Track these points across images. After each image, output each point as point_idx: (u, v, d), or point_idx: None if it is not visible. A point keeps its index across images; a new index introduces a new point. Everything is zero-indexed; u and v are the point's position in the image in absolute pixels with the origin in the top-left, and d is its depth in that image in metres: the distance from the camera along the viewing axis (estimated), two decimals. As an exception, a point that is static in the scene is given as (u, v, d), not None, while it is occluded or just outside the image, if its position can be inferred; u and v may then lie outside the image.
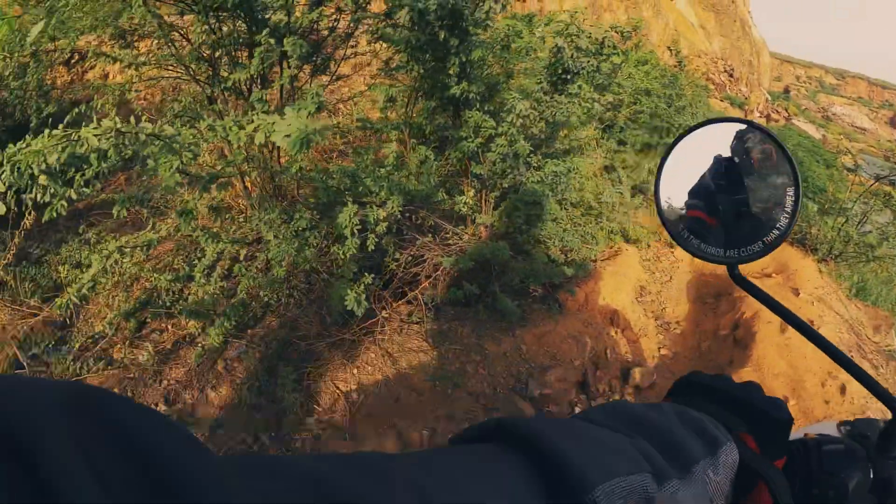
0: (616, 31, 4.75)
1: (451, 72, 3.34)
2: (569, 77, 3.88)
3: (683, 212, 0.69)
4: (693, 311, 4.53)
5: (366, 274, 3.10)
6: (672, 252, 5.25)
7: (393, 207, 3.03)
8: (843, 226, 5.53)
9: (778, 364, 3.49)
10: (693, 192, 0.68)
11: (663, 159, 0.71)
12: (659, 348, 3.98)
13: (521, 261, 3.80)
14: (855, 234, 5.52)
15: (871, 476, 0.59)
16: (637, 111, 6.05)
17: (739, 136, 0.67)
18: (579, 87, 3.89)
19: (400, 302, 3.61)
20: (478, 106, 3.49)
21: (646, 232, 5.03)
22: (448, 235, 3.64)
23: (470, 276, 3.66)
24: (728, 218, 0.67)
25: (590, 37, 4.21)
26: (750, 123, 0.67)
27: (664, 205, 0.69)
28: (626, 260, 4.53)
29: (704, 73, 24.18)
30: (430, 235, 3.55)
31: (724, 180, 0.67)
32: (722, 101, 21.46)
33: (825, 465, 0.57)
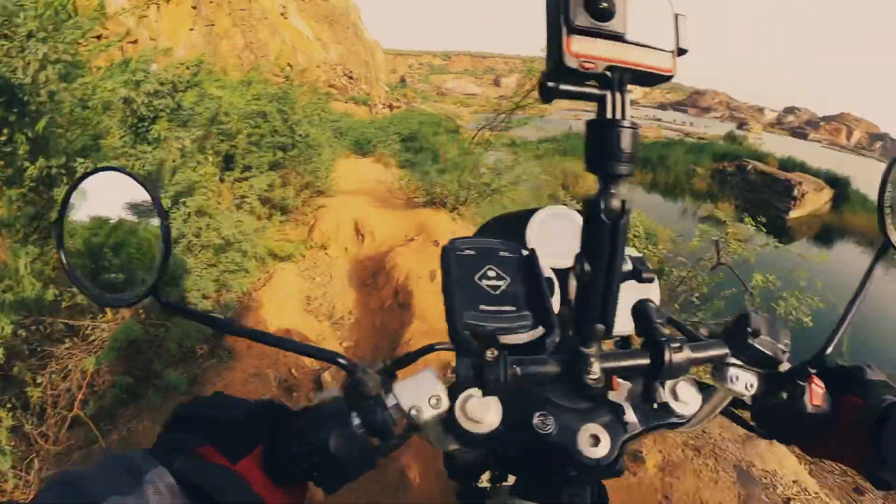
0: (186, 67, 4.66)
1: (20, 151, 2.91)
2: (146, 125, 3.71)
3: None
4: (359, 297, 4.86)
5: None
6: (326, 253, 5.53)
7: (4, 330, 2.55)
8: (459, 177, 6.48)
9: (438, 307, 3.94)
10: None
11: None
12: (340, 343, 4.16)
13: (177, 324, 3.55)
14: (472, 179, 6.53)
15: None
16: (259, 134, 6.09)
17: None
18: (157, 132, 3.74)
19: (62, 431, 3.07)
20: (65, 180, 3.11)
21: (294, 245, 5.17)
22: (89, 332, 3.21)
23: (130, 363, 3.30)
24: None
25: (159, 79, 4.08)
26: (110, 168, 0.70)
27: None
28: (283, 278, 4.60)
29: (326, 81, 25.66)
30: (67, 340, 3.08)
31: None
32: (346, 102, 23.08)
33: None
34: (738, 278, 4.47)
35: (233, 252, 4.06)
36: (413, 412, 0.63)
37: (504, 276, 0.65)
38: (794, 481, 2.33)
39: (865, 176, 26.68)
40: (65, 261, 0.70)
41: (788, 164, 30.00)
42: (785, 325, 0.78)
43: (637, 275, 0.61)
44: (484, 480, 1.17)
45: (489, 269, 0.65)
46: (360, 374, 0.65)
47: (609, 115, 0.52)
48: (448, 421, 0.67)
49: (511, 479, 0.99)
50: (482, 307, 0.62)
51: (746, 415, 0.82)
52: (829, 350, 0.72)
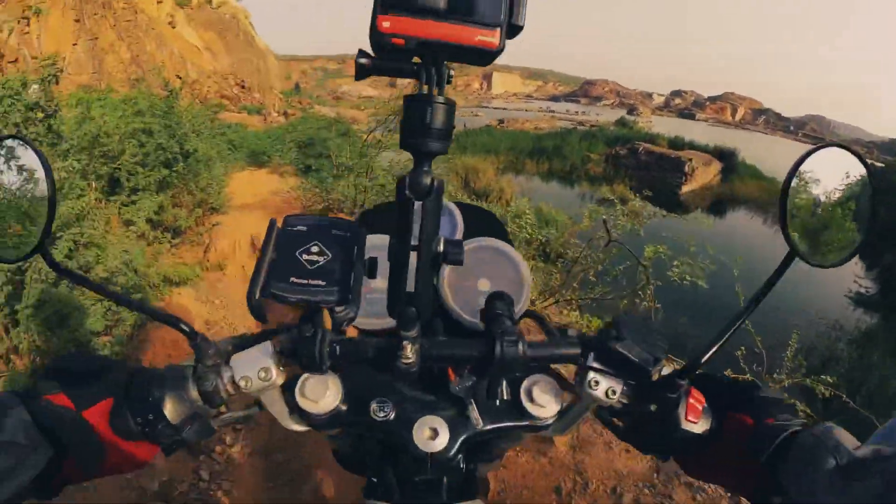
0: (45, 80, 4.30)
1: None
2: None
3: None
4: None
5: None
6: (224, 273, 5.32)
7: None
8: (354, 181, 6.44)
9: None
10: None
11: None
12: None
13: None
14: (367, 182, 6.57)
15: None
16: (144, 153, 5.73)
17: None
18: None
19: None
20: None
21: (189, 268, 4.91)
22: None
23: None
24: None
25: (27, 105, 3.75)
26: None
27: None
28: (180, 304, 4.35)
29: (218, 91, 24.69)
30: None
31: None
32: (239, 112, 22.28)
33: None
34: (630, 252, 4.68)
35: (119, 286, 3.80)
36: (242, 382, 0.64)
37: (327, 252, 0.63)
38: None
39: (751, 148, 28.88)
40: None
41: (678, 143, 32.08)
42: (663, 332, 0.69)
43: (444, 256, 0.58)
44: None
45: (314, 244, 0.64)
46: (200, 342, 0.64)
47: (424, 92, 0.51)
48: (291, 400, 0.68)
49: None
50: (293, 279, 0.61)
51: None
52: (704, 359, 0.64)
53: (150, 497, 2.73)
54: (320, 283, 0.61)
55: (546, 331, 0.84)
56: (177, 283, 4.61)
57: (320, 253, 0.63)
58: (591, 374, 0.66)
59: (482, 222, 1.00)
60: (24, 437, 0.54)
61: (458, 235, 0.94)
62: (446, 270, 0.88)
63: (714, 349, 0.64)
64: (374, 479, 0.75)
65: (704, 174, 28.57)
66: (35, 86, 4.12)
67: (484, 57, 0.52)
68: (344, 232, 0.66)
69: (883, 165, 20.36)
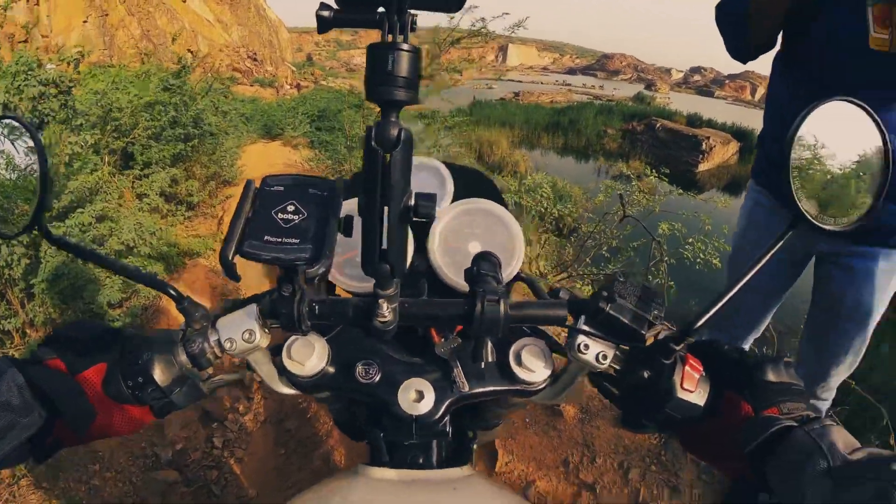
0: (65, 62, 4.32)
1: None
2: (40, 131, 3.41)
3: None
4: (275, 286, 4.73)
5: None
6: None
7: None
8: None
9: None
10: None
11: None
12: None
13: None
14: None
15: None
16: (158, 127, 5.74)
17: None
18: (47, 138, 3.44)
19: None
20: None
21: (203, 241, 4.94)
22: None
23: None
24: None
25: (41, 80, 3.75)
26: None
27: None
28: (194, 276, 4.40)
29: (230, 65, 24.58)
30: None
31: None
32: (252, 85, 22.19)
33: None
34: (645, 228, 4.63)
35: (132, 258, 3.84)
36: (227, 344, 0.64)
37: (302, 211, 0.63)
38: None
39: (770, 127, 28.29)
40: None
41: (696, 121, 31.54)
42: (662, 295, 0.65)
43: (416, 210, 0.56)
44: None
45: (290, 203, 0.64)
46: (187, 306, 0.65)
47: (388, 39, 0.49)
48: (280, 362, 0.69)
49: None
50: (267, 238, 0.61)
51: None
52: (699, 324, 0.60)
53: (163, 465, 2.79)
54: (294, 241, 0.61)
55: (536, 293, 0.83)
56: (190, 255, 4.65)
57: (296, 212, 0.63)
58: (581, 338, 0.64)
59: (474, 183, 0.98)
60: (17, 399, 0.56)
61: (448, 197, 0.92)
62: (437, 233, 0.86)
63: (710, 313, 0.61)
64: (370, 448, 0.75)
65: (722, 153, 28.15)
66: (51, 66, 4.14)
67: (450, 3, 0.50)
68: (321, 191, 0.65)
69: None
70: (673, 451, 2.31)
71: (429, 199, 0.56)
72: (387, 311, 0.61)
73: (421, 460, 0.71)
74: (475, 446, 0.81)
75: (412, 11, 0.49)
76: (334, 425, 1.14)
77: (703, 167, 26.94)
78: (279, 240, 0.61)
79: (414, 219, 0.56)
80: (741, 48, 1.57)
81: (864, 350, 1.70)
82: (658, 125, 29.79)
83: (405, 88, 0.49)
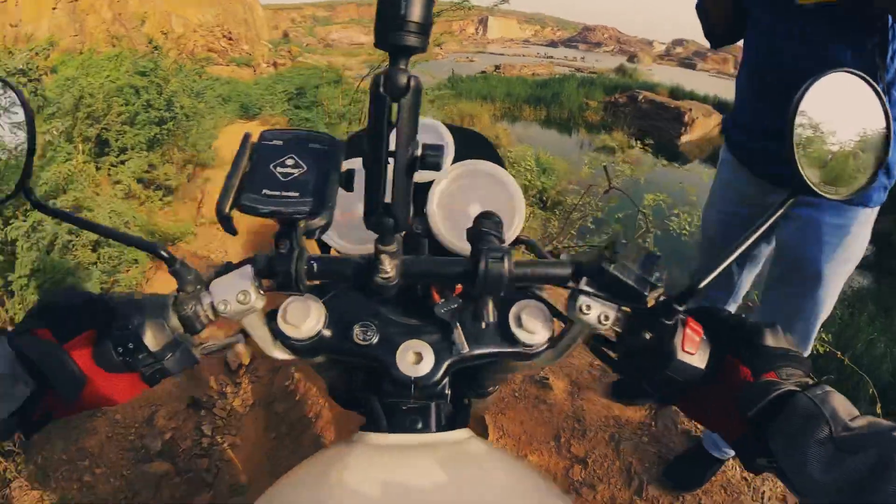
0: (34, 52, 4.21)
1: None
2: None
3: None
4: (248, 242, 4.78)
5: None
6: (218, 228, 5.26)
7: None
8: (348, 128, 6.33)
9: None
10: None
11: None
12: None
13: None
14: (360, 129, 6.44)
15: None
16: (132, 111, 5.62)
17: None
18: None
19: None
20: None
21: (184, 225, 4.87)
22: None
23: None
24: None
25: (7, 69, 3.65)
26: None
27: None
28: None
29: (205, 45, 24.05)
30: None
31: None
32: (228, 65, 21.74)
33: None
34: (630, 200, 4.63)
35: (109, 248, 3.77)
36: (221, 306, 0.63)
37: (302, 165, 0.61)
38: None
39: (752, 100, 28.41)
40: None
41: (678, 93, 31.47)
42: (659, 257, 0.64)
43: (422, 161, 0.54)
44: None
45: (290, 157, 0.62)
46: (179, 268, 0.63)
47: None
48: (275, 326, 0.68)
49: None
50: (265, 191, 0.59)
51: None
52: (702, 285, 0.60)
53: (154, 456, 2.77)
54: (294, 194, 0.59)
55: (537, 255, 0.82)
56: (171, 241, 4.59)
57: (295, 165, 0.61)
58: (583, 298, 0.63)
59: (474, 145, 0.96)
60: (5, 370, 0.56)
61: (449, 158, 0.90)
62: (436, 195, 0.84)
63: (712, 276, 0.61)
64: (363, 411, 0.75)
65: (704, 125, 28.11)
66: (22, 54, 4.03)
67: None
68: (322, 145, 0.63)
69: None
70: (664, 422, 2.32)
71: (436, 150, 0.54)
72: (389, 267, 0.60)
73: (420, 424, 0.70)
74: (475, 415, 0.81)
75: None
76: (328, 395, 1.13)
77: (685, 138, 26.95)
78: (278, 193, 0.59)
79: (420, 169, 0.54)
80: (707, 35, 1.72)
81: (819, 316, 1.67)
82: (641, 97, 29.69)
83: (417, 34, 0.46)
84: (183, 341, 0.63)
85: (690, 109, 27.89)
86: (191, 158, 6.18)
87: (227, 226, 0.58)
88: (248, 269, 0.64)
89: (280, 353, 0.71)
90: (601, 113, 29.58)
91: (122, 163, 5.17)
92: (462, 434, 0.69)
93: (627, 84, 33.69)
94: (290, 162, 0.61)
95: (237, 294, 0.62)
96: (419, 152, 0.53)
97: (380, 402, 0.71)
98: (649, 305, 0.62)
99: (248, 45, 31.07)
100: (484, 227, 0.67)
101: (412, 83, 0.47)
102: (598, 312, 0.63)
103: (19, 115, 0.67)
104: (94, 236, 3.74)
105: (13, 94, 0.68)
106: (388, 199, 0.53)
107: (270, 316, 0.69)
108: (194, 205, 5.64)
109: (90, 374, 0.61)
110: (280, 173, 0.60)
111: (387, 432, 0.68)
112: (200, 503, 2.59)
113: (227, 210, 0.57)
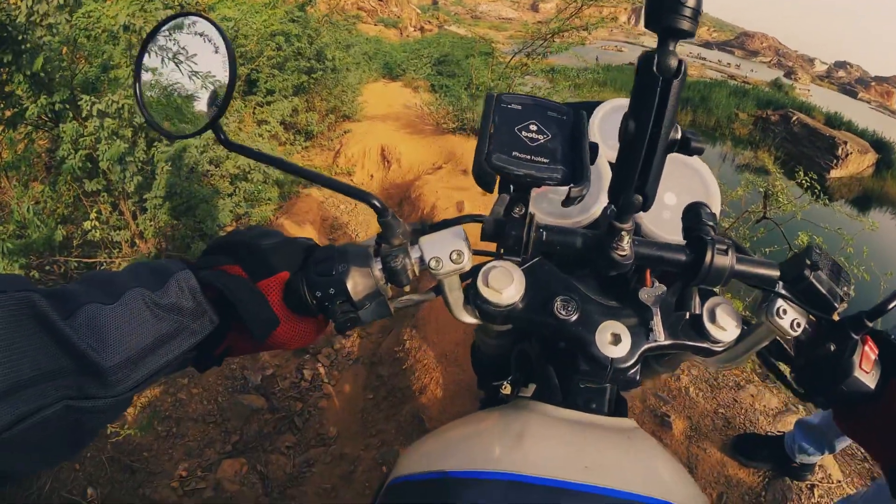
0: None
1: (19, 91, 2.76)
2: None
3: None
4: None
5: None
6: (351, 179, 5.41)
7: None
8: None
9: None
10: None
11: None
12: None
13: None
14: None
15: None
16: (282, 57, 5.84)
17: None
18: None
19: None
20: (71, 115, 2.93)
21: (318, 166, 5.01)
22: (105, 266, 3.15)
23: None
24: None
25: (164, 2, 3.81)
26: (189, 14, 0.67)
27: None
28: (307, 205, 4.46)
29: (355, 3, 24.77)
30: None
31: None
32: (376, 24, 22.31)
33: None
34: (783, 235, 4.20)
35: (246, 183, 3.91)
36: (433, 263, 0.62)
37: (546, 131, 0.61)
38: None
39: (916, 146, 25.36)
40: (140, 100, 0.67)
41: (834, 121, 28.51)
42: (849, 274, 0.63)
43: (686, 144, 0.53)
44: (508, 390, 1.20)
45: (532, 122, 0.62)
46: (390, 219, 0.62)
47: None
48: (469, 290, 0.67)
49: (531, 389, 0.95)
50: (515, 153, 0.59)
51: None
52: (891, 307, 0.59)
53: (251, 389, 2.84)
54: (544, 160, 0.59)
55: (737, 247, 0.76)
56: (304, 185, 4.73)
57: (539, 132, 0.61)
58: (780, 302, 0.64)
59: None
60: (189, 302, 0.53)
61: None
62: None
63: None
64: (539, 385, 0.75)
65: (857, 162, 25.25)
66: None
67: None
68: (560, 115, 0.64)
69: None
70: (774, 494, 2.10)
71: (696, 136, 0.54)
72: (627, 245, 0.60)
73: (594, 405, 0.68)
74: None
75: None
76: (471, 364, 1.17)
77: (834, 173, 24.39)
78: (528, 157, 0.59)
79: (678, 152, 0.54)
80: None
81: None
82: (794, 118, 27.22)
83: (690, 19, 0.45)
84: (382, 293, 0.63)
85: (846, 142, 25.21)
86: (333, 109, 6.35)
87: (487, 181, 0.58)
88: (460, 229, 0.64)
89: (467, 317, 0.70)
90: (749, 127, 27.45)
91: (268, 104, 5.38)
92: (629, 423, 0.68)
93: (782, 101, 30.95)
94: (533, 127, 0.61)
95: (451, 252, 0.62)
96: (678, 136, 0.53)
97: (556, 376, 0.70)
98: (835, 318, 0.63)
99: (397, 7, 31.66)
100: (703, 217, 0.66)
101: (682, 66, 0.47)
102: (791, 318, 0.63)
103: (220, 53, 0.66)
104: (234, 170, 3.90)
105: (216, 32, 0.67)
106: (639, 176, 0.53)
107: (464, 277, 0.68)
108: (331, 154, 5.79)
109: (280, 314, 0.59)
110: (525, 137, 0.60)
111: (560, 406, 0.66)
112: (284, 443, 2.64)
113: (485, 167, 0.58)
